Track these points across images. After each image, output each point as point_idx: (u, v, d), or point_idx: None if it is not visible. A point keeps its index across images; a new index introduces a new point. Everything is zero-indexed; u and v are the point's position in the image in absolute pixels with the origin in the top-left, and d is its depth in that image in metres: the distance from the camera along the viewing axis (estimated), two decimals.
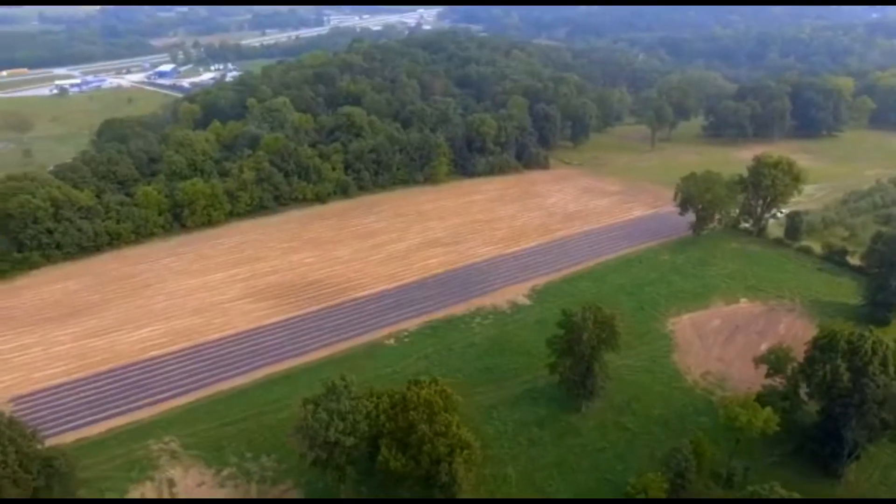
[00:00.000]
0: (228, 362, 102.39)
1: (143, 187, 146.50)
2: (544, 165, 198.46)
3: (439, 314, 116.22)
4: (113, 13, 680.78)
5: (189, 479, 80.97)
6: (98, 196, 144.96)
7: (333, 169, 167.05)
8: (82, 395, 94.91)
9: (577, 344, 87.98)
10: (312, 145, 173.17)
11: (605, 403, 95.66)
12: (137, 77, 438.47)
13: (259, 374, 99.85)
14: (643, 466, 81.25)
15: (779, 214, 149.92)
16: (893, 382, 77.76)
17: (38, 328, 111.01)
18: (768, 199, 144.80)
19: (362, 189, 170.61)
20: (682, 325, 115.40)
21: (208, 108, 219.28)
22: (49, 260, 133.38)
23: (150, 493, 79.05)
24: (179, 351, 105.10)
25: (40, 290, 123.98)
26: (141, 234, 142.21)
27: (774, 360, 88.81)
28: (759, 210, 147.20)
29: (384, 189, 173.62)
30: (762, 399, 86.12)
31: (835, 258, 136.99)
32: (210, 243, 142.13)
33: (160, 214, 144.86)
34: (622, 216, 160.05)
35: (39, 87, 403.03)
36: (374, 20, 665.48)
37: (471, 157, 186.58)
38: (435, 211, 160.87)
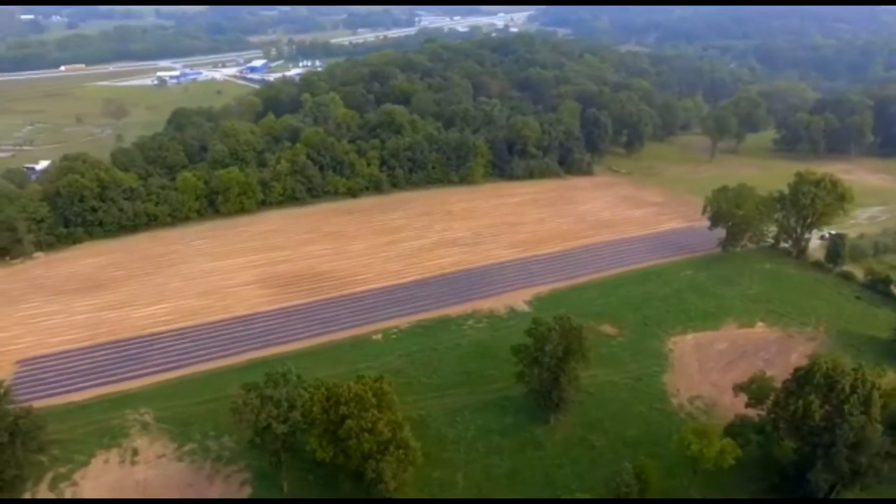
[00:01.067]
0: (218, 344, 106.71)
1: (183, 173, 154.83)
2: (588, 172, 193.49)
3: (434, 314, 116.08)
4: (221, 11, 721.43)
5: (151, 451, 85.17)
6: (143, 179, 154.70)
7: (369, 165, 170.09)
8: (82, 362, 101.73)
9: (541, 354, 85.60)
10: (352, 141, 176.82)
11: (577, 418, 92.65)
12: (230, 71, 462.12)
13: (242, 357, 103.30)
14: (599, 487, 78.12)
15: (827, 235, 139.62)
16: (873, 426, 70.94)
17: (63, 298, 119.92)
18: (809, 219, 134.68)
19: (395, 186, 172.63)
20: (684, 344, 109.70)
21: (269, 101, 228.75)
22: (91, 236, 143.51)
23: (113, 460, 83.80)
24: (179, 329, 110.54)
25: (76, 262, 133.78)
26: (177, 217, 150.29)
27: (755, 390, 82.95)
28: (798, 230, 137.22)
29: (417, 187, 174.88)
30: (733, 430, 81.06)
31: (878, 287, 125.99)
32: (237, 230, 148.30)
33: (196, 199, 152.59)
34: (654, 228, 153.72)
35: (143, 77, 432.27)
36: (464, 21, 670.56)
37: (510, 160, 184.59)
38: (463, 211, 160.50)
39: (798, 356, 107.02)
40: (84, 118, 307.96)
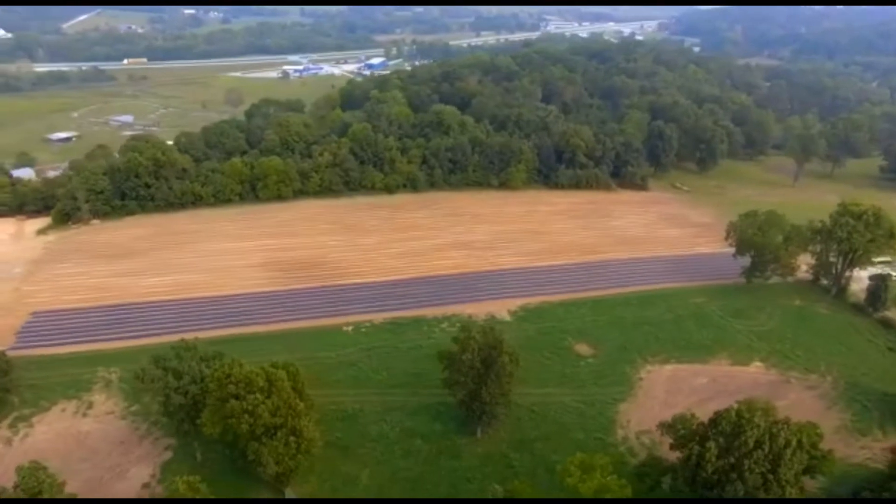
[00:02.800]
0: (201, 317, 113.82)
1: (232, 159, 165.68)
2: (641, 186, 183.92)
3: (411, 313, 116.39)
4: (359, 11, 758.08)
5: (104, 406, 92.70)
6: (198, 162, 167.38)
7: (409, 162, 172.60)
8: (80, 320, 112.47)
9: (461, 364, 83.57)
10: (400, 138, 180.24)
11: (508, 434, 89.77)
12: (350, 67, 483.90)
13: (218, 332, 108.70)
14: None
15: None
16: (778, 488, 62.84)
17: (92, 262, 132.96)
18: (851, 256, 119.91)
19: (433, 186, 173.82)
20: (658, 375, 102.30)
21: (346, 96, 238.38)
22: (143, 209, 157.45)
23: (69, 410, 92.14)
24: (171, 300, 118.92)
25: (118, 232, 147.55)
26: (219, 198, 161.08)
27: (679, 431, 75.94)
28: (838, 266, 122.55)
29: (454, 188, 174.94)
30: (643, 469, 75.24)
31: None
32: (266, 215, 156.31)
33: (240, 184, 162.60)
34: (684, 250, 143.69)
35: (270, 70, 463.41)
36: (591, 27, 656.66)
37: (557, 168, 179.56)
38: (490, 215, 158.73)
39: (787, 403, 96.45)
40: (208, 105, 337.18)
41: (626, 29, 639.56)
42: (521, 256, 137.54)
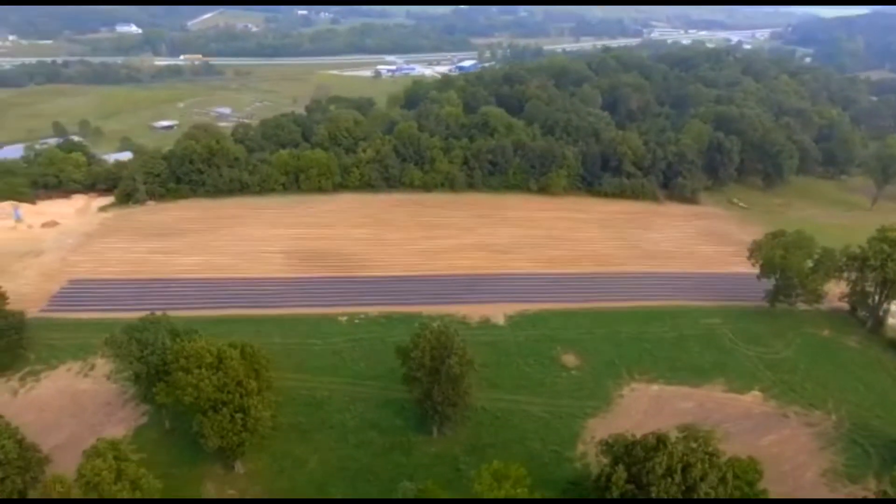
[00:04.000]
0: (217, 296, 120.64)
1: (280, 151, 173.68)
2: (691, 199, 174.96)
3: (407, 308, 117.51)
4: (461, 13, 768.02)
5: (102, 370, 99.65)
6: (251, 152, 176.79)
7: (451, 162, 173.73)
8: (110, 290, 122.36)
9: (412, 361, 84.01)
10: (447, 138, 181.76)
11: (466, 438, 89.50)
12: (442, 68, 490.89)
13: (223, 312, 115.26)
14: None
15: None
16: None
17: (136, 238, 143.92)
18: (888, 286, 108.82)
19: (472, 186, 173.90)
20: (642, 394, 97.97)
21: (410, 95, 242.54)
22: (195, 193, 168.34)
23: (73, 370, 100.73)
24: (198, 279, 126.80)
25: (168, 213, 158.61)
26: (264, 187, 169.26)
27: (615, 450, 72.56)
28: (875, 297, 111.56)
29: (493, 190, 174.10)
30: (571, 485, 72.78)
31: None
32: (304, 206, 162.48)
33: (286, 175, 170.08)
34: (714, 268, 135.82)
35: (365, 69, 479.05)
36: (698, 34, 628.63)
37: (602, 176, 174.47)
38: (518, 219, 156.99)
39: (776, 439, 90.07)
40: (298, 100, 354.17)
41: (735, 37, 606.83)
42: (536, 262, 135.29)
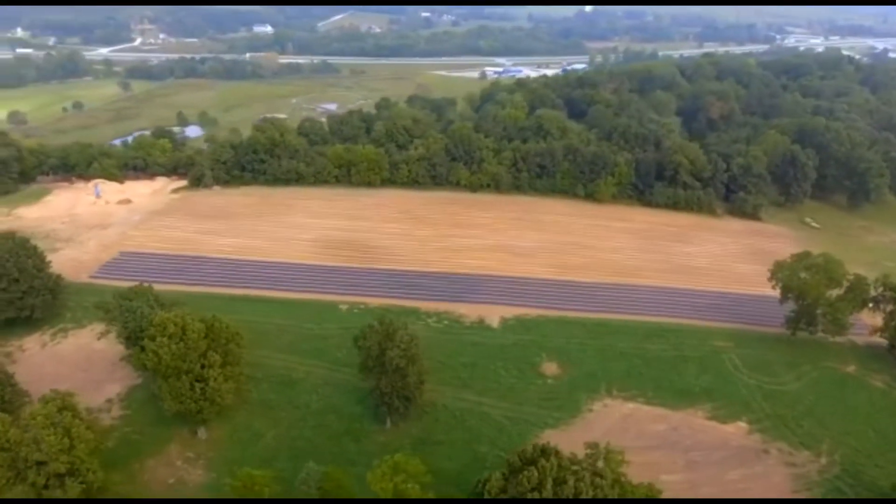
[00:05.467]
0: (242, 276, 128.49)
1: (336, 144, 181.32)
2: (752, 215, 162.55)
3: (409, 303, 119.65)
4: (585, 16, 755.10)
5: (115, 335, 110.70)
6: (313, 144, 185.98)
7: (500, 164, 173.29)
8: (153, 263, 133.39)
9: (362, 351, 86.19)
10: (502, 140, 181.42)
11: (420, 432, 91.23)
12: (550, 72, 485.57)
13: (240, 291, 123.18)
14: None
15: None
16: None
17: (190, 219, 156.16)
18: None
19: (517, 189, 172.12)
20: (613, 410, 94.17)
21: (485, 96, 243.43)
22: (256, 181, 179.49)
23: (97, 330, 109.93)
24: (231, 259, 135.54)
25: (227, 198, 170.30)
26: (318, 178, 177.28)
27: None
28: None
29: (539, 193, 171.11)
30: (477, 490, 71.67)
31: None
32: (349, 198, 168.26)
33: (338, 168, 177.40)
34: (745, 288, 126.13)
35: (472, 71, 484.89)
36: (840, 42, 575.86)
37: (654, 185, 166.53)
38: (552, 224, 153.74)
39: (744, 474, 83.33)
40: (400, 98, 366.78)
41: (881, 44, 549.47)
42: (552, 268, 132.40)
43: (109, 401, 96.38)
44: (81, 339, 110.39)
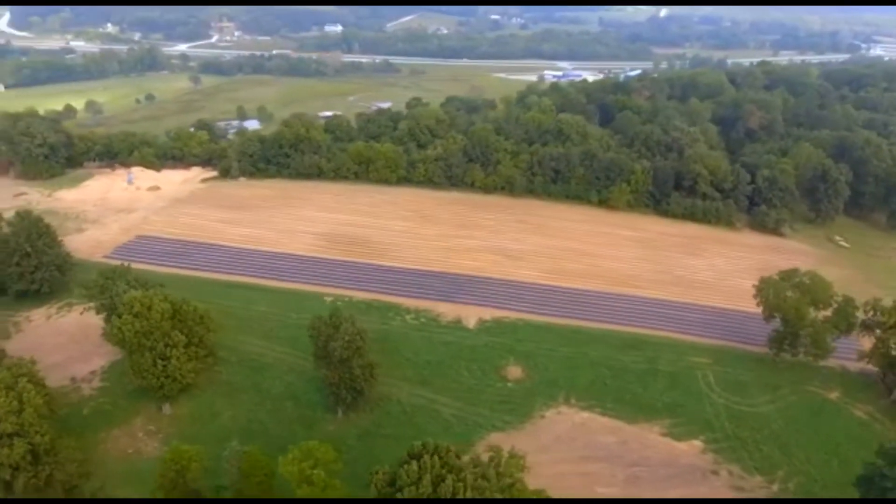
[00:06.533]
0: (243, 263, 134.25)
1: (358, 141, 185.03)
2: (774, 230, 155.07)
3: (392, 299, 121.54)
4: (657, 21, 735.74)
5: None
6: (339, 141, 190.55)
7: (515, 167, 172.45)
8: (165, 247, 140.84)
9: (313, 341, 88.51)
10: (521, 142, 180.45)
11: (365, 423, 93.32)
12: (599, 77, 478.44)
13: (238, 278, 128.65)
14: None
15: None
16: None
17: (209, 208, 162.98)
18: None
19: (531, 192, 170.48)
20: (564, 419, 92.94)
21: (521, 98, 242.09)
22: (280, 174, 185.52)
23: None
24: (238, 247, 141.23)
25: (248, 189, 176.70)
26: (338, 174, 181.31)
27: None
28: None
29: (552, 198, 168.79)
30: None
31: None
32: (364, 195, 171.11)
33: (357, 164, 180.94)
34: (743, 305, 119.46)
35: (531, 74, 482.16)
36: None
37: (672, 195, 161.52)
38: (554, 230, 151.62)
39: (684, 493, 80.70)
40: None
41: None
42: (545, 272, 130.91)
43: (93, 372, 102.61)
44: (81, 317, 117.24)
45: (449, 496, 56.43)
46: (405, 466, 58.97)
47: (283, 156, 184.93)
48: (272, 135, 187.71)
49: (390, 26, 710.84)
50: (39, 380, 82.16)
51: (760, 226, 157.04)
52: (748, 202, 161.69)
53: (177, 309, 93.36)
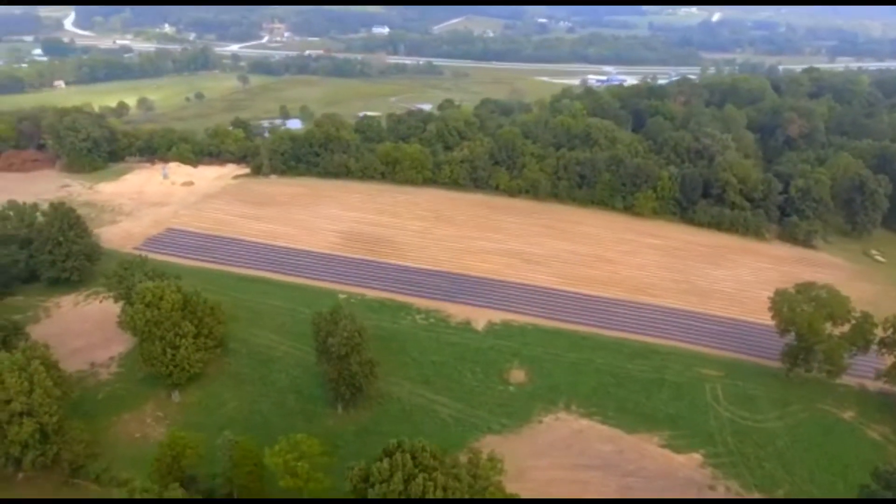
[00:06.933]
0: (261, 258, 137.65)
1: (386, 142, 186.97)
2: (804, 242, 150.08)
3: (405, 298, 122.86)
4: (709, 26, 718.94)
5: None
6: (369, 141, 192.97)
7: (541, 170, 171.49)
8: (190, 241, 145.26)
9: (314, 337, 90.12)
10: (549, 146, 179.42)
11: (365, 420, 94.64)
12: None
13: (254, 272, 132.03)
14: None
15: None
16: None
17: (236, 204, 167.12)
18: None
19: (555, 196, 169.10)
20: (563, 426, 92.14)
21: (554, 102, 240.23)
22: (310, 172, 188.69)
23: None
24: (256, 242, 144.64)
25: (276, 187, 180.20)
26: (365, 173, 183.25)
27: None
28: None
29: (576, 203, 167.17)
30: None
31: None
32: (388, 195, 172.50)
33: (384, 165, 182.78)
34: (762, 318, 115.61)
35: (574, 78, 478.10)
36: None
37: (699, 203, 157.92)
38: (577, 235, 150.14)
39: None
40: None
41: None
42: (559, 277, 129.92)
43: (111, 358, 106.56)
44: (107, 302, 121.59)
45: (419, 495, 56.79)
46: (377, 463, 59.59)
47: (313, 154, 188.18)
48: (303, 134, 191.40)
49: (437, 29, 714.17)
50: (53, 363, 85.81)
51: (791, 237, 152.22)
52: (780, 212, 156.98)
53: (187, 300, 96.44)
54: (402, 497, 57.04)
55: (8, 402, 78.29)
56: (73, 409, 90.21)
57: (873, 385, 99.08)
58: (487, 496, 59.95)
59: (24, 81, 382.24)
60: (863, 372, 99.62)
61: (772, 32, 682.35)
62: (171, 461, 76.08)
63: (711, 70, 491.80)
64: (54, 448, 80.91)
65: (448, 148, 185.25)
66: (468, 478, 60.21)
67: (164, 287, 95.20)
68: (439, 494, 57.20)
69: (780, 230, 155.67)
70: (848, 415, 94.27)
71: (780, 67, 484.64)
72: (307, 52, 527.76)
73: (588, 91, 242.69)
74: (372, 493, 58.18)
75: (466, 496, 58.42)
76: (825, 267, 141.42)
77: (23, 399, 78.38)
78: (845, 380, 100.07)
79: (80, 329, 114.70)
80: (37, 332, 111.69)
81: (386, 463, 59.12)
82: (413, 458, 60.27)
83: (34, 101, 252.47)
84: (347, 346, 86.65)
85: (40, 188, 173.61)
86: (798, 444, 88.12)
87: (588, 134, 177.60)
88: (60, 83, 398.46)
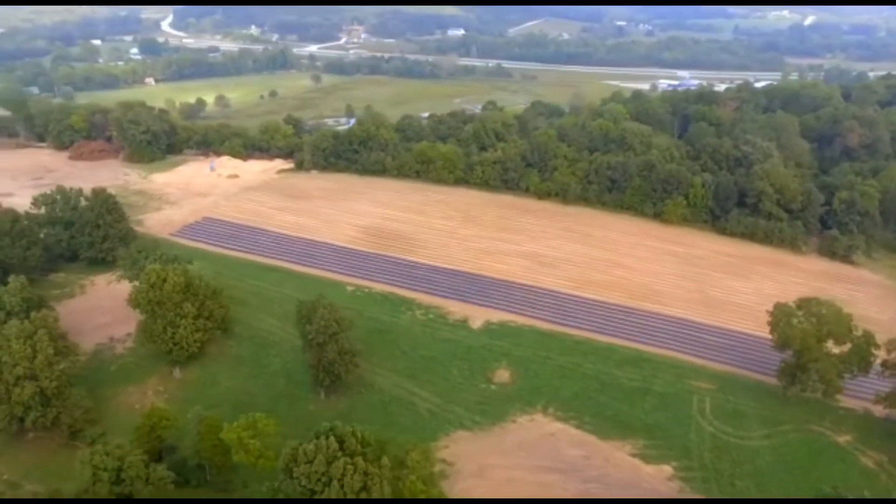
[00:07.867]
0: (283, 248, 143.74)
1: (424, 142, 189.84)
2: (843, 257, 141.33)
3: (410, 294, 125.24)
4: (800, 30, 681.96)
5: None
6: (409, 140, 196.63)
7: (573, 174, 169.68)
8: (223, 229, 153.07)
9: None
10: (584, 150, 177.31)
11: (344, 407, 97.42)
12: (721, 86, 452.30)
13: (274, 262, 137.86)
14: None
15: None
16: None
17: (272, 196, 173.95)
18: None
19: (584, 200, 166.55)
20: (535, 427, 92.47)
21: (601, 105, 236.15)
22: (348, 169, 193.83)
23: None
24: (281, 234, 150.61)
25: (314, 182, 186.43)
26: (401, 172, 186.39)
27: None
28: None
29: (605, 207, 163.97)
30: None
31: None
32: (418, 193, 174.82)
33: (420, 164, 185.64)
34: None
35: (645, 82, 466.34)
36: None
37: (732, 211, 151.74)
38: (598, 240, 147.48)
39: None
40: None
41: None
42: (570, 281, 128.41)
43: (128, 334, 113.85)
44: (116, 283, 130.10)
45: (338, 477, 58.78)
46: (302, 446, 61.99)
47: (353, 152, 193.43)
48: (345, 132, 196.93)
49: (513, 31, 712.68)
50: (60, 334, 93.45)
51: (830, 251, 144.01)
52: (821, 225, 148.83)
53: (189, 283, 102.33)
54: (323, 479, 59.26)
55: (14, 365, 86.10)
56: (84, 378, 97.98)
57: (880, 410, 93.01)
58: (409, 485, 61.18)
59: (119, 78, 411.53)
60: (868, 395, 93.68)
61: (869, 37, 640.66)
62: (149, 430, 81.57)
63: (794, 76, 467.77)
64: (54, 411, 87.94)
65: (483, 149, 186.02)
66: (392, 465, 61.57)
67: (169, 270, 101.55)
68: (358, 479, 59.00)
69: (820, 244, 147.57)
70: (843, 439, 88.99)
71: (871, 74, 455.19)
72: (379, 54, 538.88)
73: (636, 95, 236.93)
74: (297, 472, 60.66)
75: (386, 484, 59.87)
76: (861, 284, 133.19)
77: (26, 364, 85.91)
78: (849, 402, 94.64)
79: (109, 306, 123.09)
80: (70, 306, 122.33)
81: (312, 445, 61.43)
82: (341, 442, 62.25)
83: (125, 97, 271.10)
84: (324, 335, 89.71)
85: (102, 176, 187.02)
86: (779, 465, 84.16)
87: (623, 138, 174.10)
88: (151, 80, 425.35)
